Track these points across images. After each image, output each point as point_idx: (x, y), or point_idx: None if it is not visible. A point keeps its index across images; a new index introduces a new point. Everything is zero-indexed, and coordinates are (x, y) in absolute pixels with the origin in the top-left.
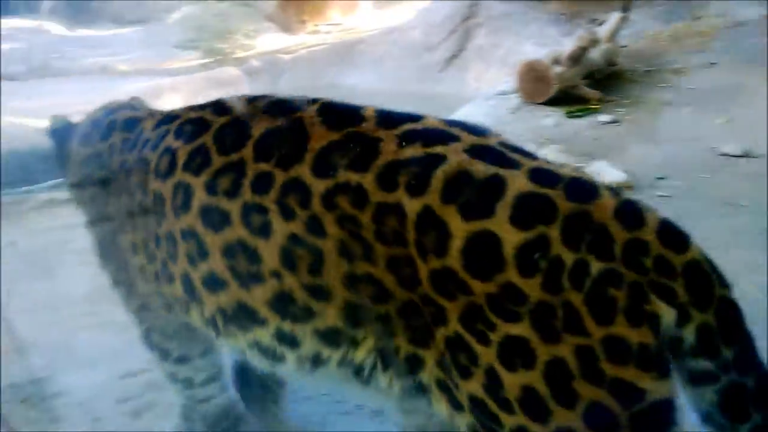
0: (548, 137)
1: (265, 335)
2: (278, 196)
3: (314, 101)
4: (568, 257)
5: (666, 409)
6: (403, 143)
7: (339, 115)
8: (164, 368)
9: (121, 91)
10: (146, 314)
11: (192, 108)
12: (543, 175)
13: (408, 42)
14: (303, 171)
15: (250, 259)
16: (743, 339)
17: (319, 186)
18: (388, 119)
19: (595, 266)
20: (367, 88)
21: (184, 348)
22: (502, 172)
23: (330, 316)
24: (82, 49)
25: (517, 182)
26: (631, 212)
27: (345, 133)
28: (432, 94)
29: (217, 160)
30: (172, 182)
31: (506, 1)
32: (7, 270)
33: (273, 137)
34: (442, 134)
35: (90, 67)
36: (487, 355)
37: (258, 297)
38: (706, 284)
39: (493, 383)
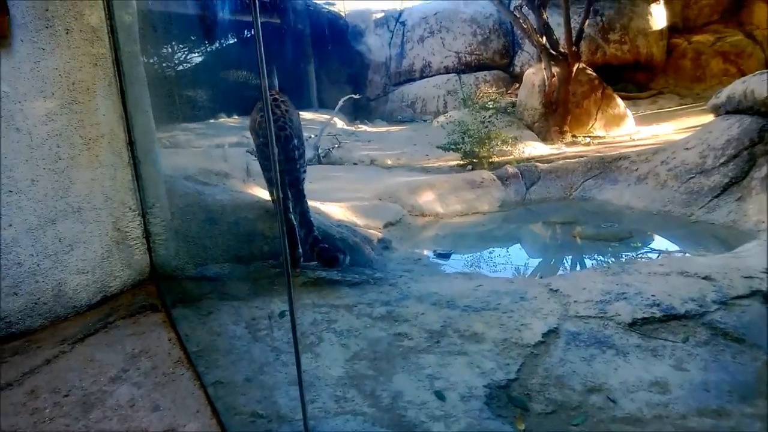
0: None
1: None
2: None
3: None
4: None
5: None
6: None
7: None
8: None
9: (385, 183)
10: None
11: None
12: None
13: (679, 162)
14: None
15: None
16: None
17: None
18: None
19: None
20: (622, 205)
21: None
22: None
23: None
24: (357, 142)
25: None
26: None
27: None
28: (701, 221)
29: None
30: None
31: None
32: (278, 336)
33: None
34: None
35: (362, 157)
36: None
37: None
38: None
39: None
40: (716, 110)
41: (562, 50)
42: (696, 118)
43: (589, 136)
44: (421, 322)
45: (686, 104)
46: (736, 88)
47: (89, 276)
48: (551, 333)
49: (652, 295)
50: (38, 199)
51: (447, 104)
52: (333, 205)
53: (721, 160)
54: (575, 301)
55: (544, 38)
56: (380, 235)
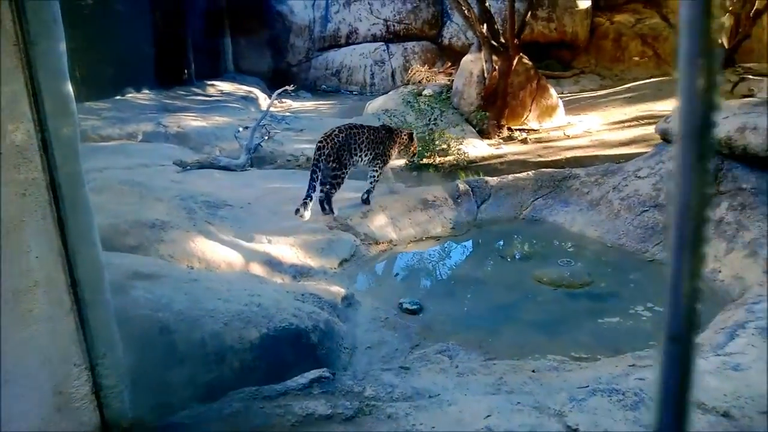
0: None
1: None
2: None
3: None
4: None
5: None
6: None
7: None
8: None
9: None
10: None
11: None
12: None
13: (632, 192)
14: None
15: None
16: None
17: None
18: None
19: None
20: (575, 231)
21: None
22: None
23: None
24: (288, 131)
25: None
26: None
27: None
28: (656, 260)
29: None
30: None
31: (764, 172)
32: None
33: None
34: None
35: (295, 152)
36: None
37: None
38: None
39: None
40: (665, 135)
41: (503, 41)
42: (620, 110)
43: (524, 129)
44: None
45: (606, 85)
46: None
47: None
48: None
49: None
50: None
51: (374, 75)
52: (283, 242)
53: None
54: None
55: (485, 27)
56: (343, 292)
